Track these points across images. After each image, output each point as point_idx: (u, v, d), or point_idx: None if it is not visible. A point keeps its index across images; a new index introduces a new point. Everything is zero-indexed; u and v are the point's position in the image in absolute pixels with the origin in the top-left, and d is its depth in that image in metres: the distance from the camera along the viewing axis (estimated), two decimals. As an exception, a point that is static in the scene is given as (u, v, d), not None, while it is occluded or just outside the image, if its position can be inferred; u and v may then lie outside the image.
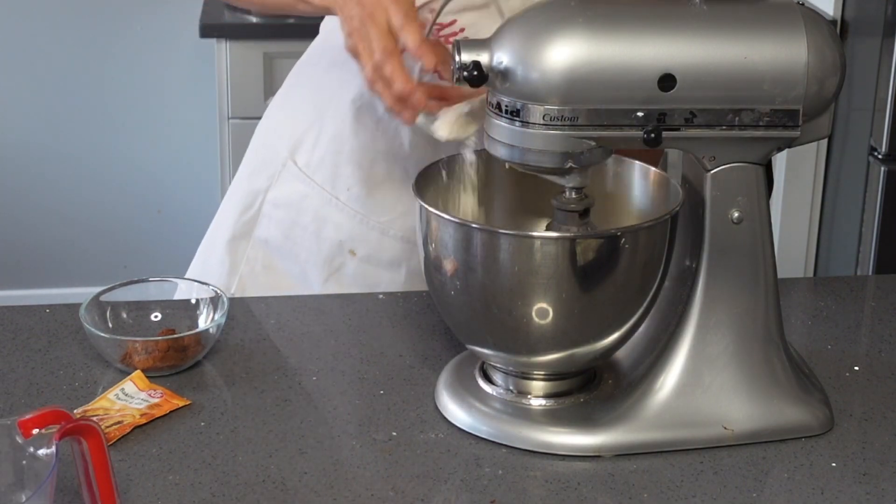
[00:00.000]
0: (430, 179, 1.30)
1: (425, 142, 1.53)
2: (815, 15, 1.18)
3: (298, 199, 1.63)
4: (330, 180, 1.61)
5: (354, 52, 1.33)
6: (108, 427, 1.22)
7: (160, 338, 1.34)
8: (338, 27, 1.57)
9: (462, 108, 1.31)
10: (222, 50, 2.98)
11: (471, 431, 1.24)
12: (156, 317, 1.43)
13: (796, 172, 2.83)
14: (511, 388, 1.28)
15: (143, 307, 1.44)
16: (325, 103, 1.62)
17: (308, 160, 1.63)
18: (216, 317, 1.39)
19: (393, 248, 1.61)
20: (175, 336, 1.35)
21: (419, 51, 1.28)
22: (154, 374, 1.33)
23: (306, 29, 1.77)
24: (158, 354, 1.33)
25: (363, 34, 1.31)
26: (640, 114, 1.15)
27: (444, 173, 1.33)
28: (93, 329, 1.35)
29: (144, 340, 1.34)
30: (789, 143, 1.20)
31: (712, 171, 1.21)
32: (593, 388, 1.28)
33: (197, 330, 1.37)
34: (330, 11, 1.42)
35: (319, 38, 1.69)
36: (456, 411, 1.26)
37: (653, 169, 1.32)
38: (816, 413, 1.26)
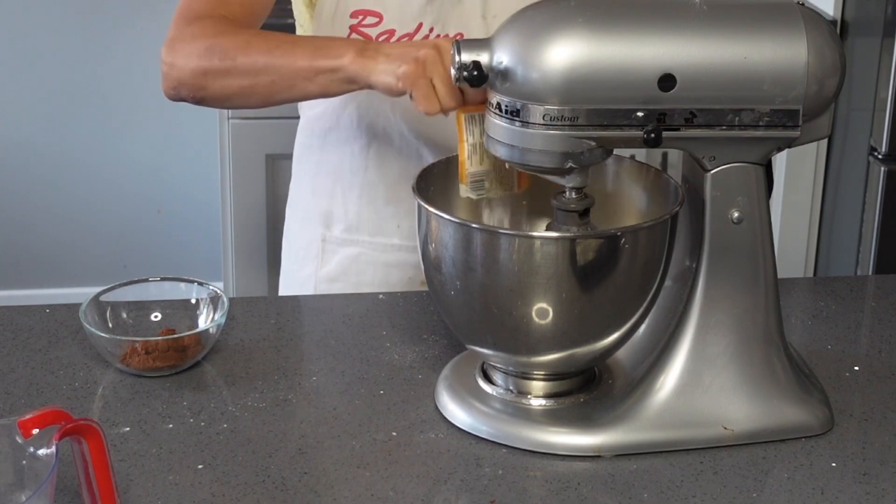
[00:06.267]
0: (431, 179, 1.30)
1: (446, 149, 1.55)
2: (815, 15, 1.18)
3: (352, 262, 1.65)
4: (377, 228, 1.63)
5: (407, 78, 1.29)
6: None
7: (160, 338, 1.34)
8: (315, 104, 1.61)
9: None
10: (222, 50, 2.97)
11: (471, 431, 1.24)
12: (156, 317, 1.43)
13: (796, 172, 2.83)
14: (511, 388, 1.28)
15: (143, 307, 1.44)
16: (338, 164, 1.63)
17: (346, 224, 1.64)
18: (216, 317, 1.39)
19: None
20: (175, 336, 1.35)
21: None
22: (154, 374, 1.34)
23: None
24: (158, 354, 1.33)
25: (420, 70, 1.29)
26: (640, 114, 1.15)
27: (444, 173, 1.33)
28: (93, 329, 1.35)
29: (144, 340, 1.34)
30: (789, 143, 1.20)
31: (712, 171, 1.20)
32: (593, 388, 1.28)
33: (197, 330, 1.37)
34: (356, 79, 1.35)
35: (303, 120, 1.70)
36: (456, 411, 1.26)
37: (653, 169, 1.32)
38: (816, 413, 1.26)
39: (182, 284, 1.47)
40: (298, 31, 1.65)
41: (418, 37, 1.54)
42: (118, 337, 1.36)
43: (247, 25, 1.50)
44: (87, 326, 1.35)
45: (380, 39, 1.54)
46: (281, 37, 1.42)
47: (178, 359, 1.34)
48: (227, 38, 1.42)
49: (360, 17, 1.54)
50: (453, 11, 1.55)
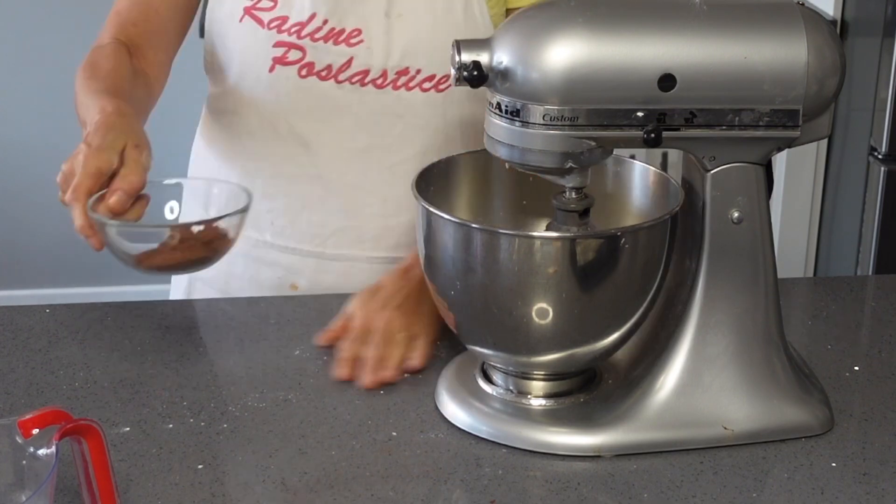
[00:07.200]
0: (430, 179, 1.30)
1: (341, 157, 1.54)
2: (815, 15, 1.18)
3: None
4: (252, 223, 1.52)
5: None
6: None
7: (197, 221, 1.25)
8: (210, 78, 1.64)
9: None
10: (222, 50, 2.96)
11: (471, 431, 1.24)
12: (171, 210, 1.35)
13: (796, 172, 2.83)
14: (511, 388, 1.28)
15: (155, 200, 1.33)
16: (217, 156, 1.61)
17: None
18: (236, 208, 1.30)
19: (332, 268, 1.61)
20: (214, 218, 1.26)
21: (80, 233, 1.26)
22: (174, 271, 1.27)
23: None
24: (196, 244, 1.25)
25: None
26: (640, 114, 1.15)
27: (444, 173, 1.33)
28: (110, 221, 1.24)
29: (181, 225, 1.25)
30: (789, 143, 1.20)
31: (712, 171, 1.21)
32: (593, 388, 1.29)
33: (232, 212, 1.28)
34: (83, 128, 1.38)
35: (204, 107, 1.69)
36: (456, 411, 1.26)
37: (653, 169, 1.32)
38: (816, 413, 1.26)
39: (194, 182, 1.38)
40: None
41: (310, 27, 1.52)
42: (150, 228, 1.26)
43: (154, 48, 1.56)
44: (108, 221, 1.24)
45: (272, 25, 1.53)
46: (91, 85, 1.46)
47: (208, 251, 1.27)
48: (77, 78, 1.50)
49: (255, 0, 1.53)
50: (353, 6, 1.51)
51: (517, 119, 1.16)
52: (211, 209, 1.36)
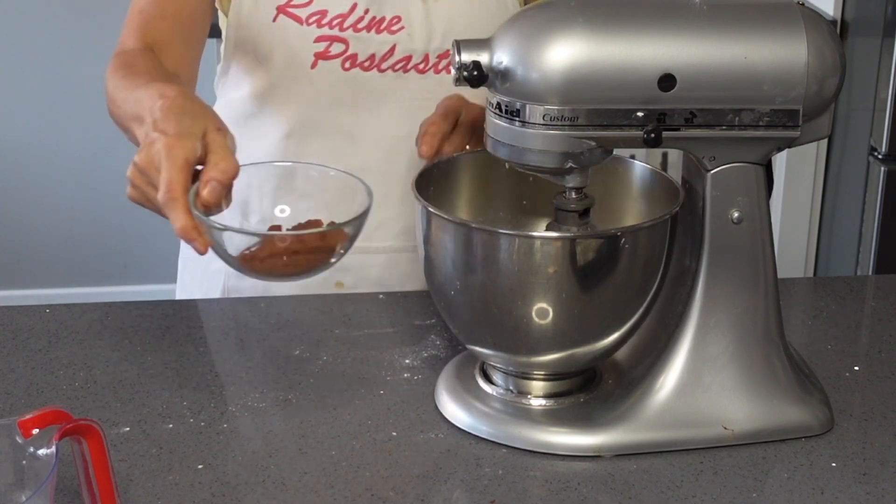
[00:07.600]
0: (431, 179, 1.30)
1: (384, 146, 1.54)
2: (815, 15, 1.18)
3: None
4: (294, 221, 1.48)
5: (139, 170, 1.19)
6: None
7: (313, 230, 1.14)
8: (233, 82, 1.58)
9: None
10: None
11: (471, 431, 1.24)
12: (282, 210, 1.25)
13: (796, 172, 2.84)
14: (511, 388, 1.28)
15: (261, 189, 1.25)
16: (256, 152, 1.56)
17: (262, 215, 1.48)
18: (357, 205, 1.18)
19: (378, 261, 1.61)
20: (333, 227, 1.13)
21: (183, 236, 1.15)
22: (288, 277, 1.18)
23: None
24: (314, 249, 1.17)
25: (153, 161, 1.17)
26: (640, 114, 1.15)
27: (444, 173, 1.33)
28: (218, 224, 1.13)
29: (296, 233, 1.15)
30: (789, 143, 1.20)
31: (712, 171, 1.21)
32: (593, 388, 1.29)
33: (349, 219, 1.16)
34: (130, 129, 1.31)
35: (218, 104, 1.64)
36: (456, 411, 1.26)
37: (653, 169, 1.32)
38: (816, 413, 1.26)
39: (313, 170, 1.26)
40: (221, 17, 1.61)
41: (352, 18, 1.52)
42: (255, 232, 1.13)
43: (184, 44, 1.51)
44: (210, 220, 1.13)
45: (311, 21, 1.52)
46: (136, 80, 1.36)
47: (326, 253, 1.16)
48: (109, 83, 1.42)
49: None
50: None
51: (517, 119, 1.16)
52: (317, 198, 1.25)
